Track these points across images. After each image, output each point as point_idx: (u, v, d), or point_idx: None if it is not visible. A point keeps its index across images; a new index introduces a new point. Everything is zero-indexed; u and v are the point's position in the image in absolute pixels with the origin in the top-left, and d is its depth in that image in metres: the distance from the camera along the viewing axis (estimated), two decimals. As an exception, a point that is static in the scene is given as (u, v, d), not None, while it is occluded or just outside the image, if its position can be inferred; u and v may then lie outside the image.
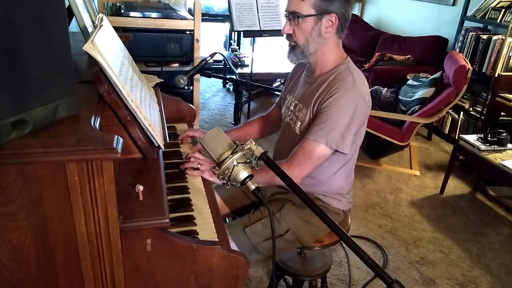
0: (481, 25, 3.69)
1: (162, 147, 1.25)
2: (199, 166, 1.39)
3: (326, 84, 1.35)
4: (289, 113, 1.51)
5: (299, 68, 1.58)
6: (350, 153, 1.37)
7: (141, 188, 1.04)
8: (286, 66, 3.97)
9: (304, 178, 1.36)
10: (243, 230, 1.39)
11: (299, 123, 1.43)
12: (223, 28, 5.45)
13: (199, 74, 2.30)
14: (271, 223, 1.01)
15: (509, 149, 2.68)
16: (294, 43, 1.36)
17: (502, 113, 3.32)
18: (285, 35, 1.38)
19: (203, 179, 1.40)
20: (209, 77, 2.56)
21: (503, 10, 3.35)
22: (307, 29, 1.31)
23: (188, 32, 2.46)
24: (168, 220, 0.98)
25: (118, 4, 2.34)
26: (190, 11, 2.59)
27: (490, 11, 3.47)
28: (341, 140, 1.30)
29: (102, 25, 1.16)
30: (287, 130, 1.51)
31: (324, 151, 1.32)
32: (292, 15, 1.32)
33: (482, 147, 2.66)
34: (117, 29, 1.54)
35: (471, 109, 3.65)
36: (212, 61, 2.21)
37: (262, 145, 1.04)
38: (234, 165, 0.99)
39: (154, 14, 2.31)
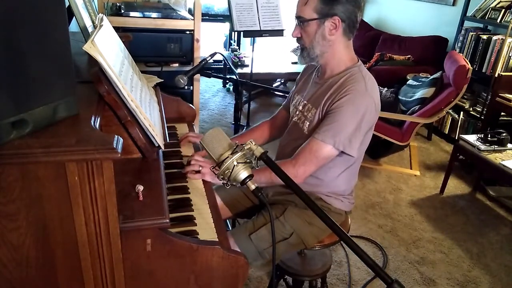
0: (481, 25, 3.69)
1: (162, 147, 1.25)
2: (200, 168, 1.39)
3: (337, 86, 1.36)
4: (297, 112, 1.51)
5: (309, 68, 1.58)
6: (356, 156, 1.37)
7: (141, 188, 1.04)
8: (286, 66, 3.97)
9: (307, 177, 1.36)
10: (249, 237, 1.39)
11: (308, 123, 1.43)
12: (223, 28, 5.44)
13: (199, 74, 2.30)
14: (271, 225, 1.01)
15: (509, 149, 2.68)
16: (302, 46, 1.40)
17: (502, 113, 3.32)
18: (295, 38, 1.42)
19: (203, 179, 1.40)
20: (209, 77, 2.56)
21: (503, 10, 3.35)
22: (311, 33, 1.34)
23: (188, 32, 2.46)
24: (168, 220, 0.98)
25: (118, 4, 2.34)
26: (190, 11, 2.59)
27: (490, 11, 3.47)
28: (348, 143, 1.31)
29: (102, 25, 1.16)
30: (294, 129, 1.51)
31: (330, 152, 1.32)
32: (298, 20, 1.36)
33: (482, 147, 2.66)
34: (117, 29, 1.54)
35: (471, 109, 3.65)
36: (212, 61, 2.21)
37: (263, 145, 1.04)
38: (234, 165, 0.99)
39: (154, 14, 2.31)
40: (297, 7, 1.36)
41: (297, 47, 1.43)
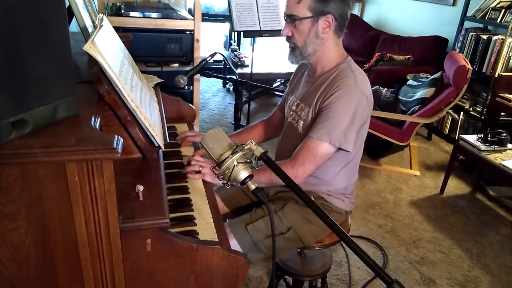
0: (481, 25, 3.69)
1: (162, 147, 1.25)
2: (200, 169, 1.39)
3: (327, 83, 1.36)
4: (291, 113, 1.51)
5: (300, 68, 1.59)
6: (353, 152, 1.38)
7: (141, 188, 1.04)
8: (286, 66, 3.97)
9: (307, 177, 1.36)
10: (245, 228, 1.40)
11: (302, 122, 1.43)
12: (223, 28, 5.44)
13: (199, 74, 2.30)
14: (271, 223, 1.01)
15: (509, 149, 2.68)
16: (294, 45, 1.39)
17: (502, 113, 3.32)
18: (285, 37, 1.40)
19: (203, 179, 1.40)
20: (209, 77, 2.56)
21: (503, 10, 3.35)
22: (304, 31, 1.34)
23: (188, 32, 2.46)
24: (168, 220, 0.98)
25: (118, 4, 2.34)
26: (190, 11, 2.59)
27: (490, 11, 3.47)
28: (344, 138, 1.31)
29: (102, 25, 1.16)
30: (290, 129, 1.51)
31: (327, 149, 1.32)
32: (290, 18, 1.35)
33: (482, 147, 2.66)
34: (117, 29, 1.54)
35: (471, 109, 3.65)
36: (212, 61, 2.21)
37: (262, 145, 1.04)
38: (234, 165, 0.99)
39: (154, 14, 2.31)
40: (288, 5, 1.35)
41: (288, 46, 1.41)
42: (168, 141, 1.33)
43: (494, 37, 3.40)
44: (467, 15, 3.70)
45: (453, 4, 4.03)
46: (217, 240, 1.13)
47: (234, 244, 1.36)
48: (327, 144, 1.31)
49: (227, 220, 1.59)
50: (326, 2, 1.29)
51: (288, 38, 1.40)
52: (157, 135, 1.22)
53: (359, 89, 1.32)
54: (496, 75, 3.24)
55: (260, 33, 2.99)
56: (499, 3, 3.43)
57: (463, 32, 3.71)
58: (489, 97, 3.30)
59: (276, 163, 1.03)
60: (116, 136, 0.83)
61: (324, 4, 1.29)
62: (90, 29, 1.41)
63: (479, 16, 3.56)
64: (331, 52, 1.38)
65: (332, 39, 1.36)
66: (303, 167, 1.33)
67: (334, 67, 1.38)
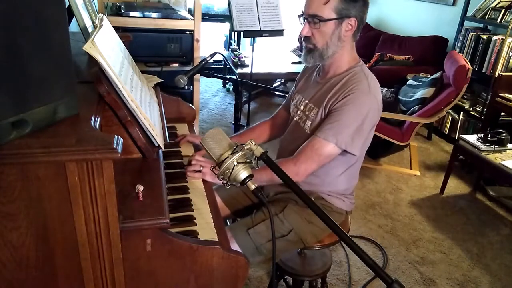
0: (481, 25, 3.69)
1: (162, 147, 1.25)
2: (201, 168, 1.38)
3: (340, 85, 1.35)
4: (298, 112, 1.50)
5: (309, 68, 1.57)
6: (358, 155, 1.37)
7: (141, 188, 1.04)
8: (286, 66, 3.97)
9: (309, 175, 1.36)
10: (246, 232, 1.39)
11: (310, 122, 1.42)
12: (223, 28, 5.45)
13: (199, 74, 2.30)
14: (271, 223, 1.01)
15: (509, 149, 2.68)
16: (313, 45, 1.35)
17: (502, 113, 3.32)
18: (302, 37, 1.37)
19: (204, 179, 1.40)
20: (209, 77, 2.56)
21: (503, 10, 3.35)
22: (327, 33, 1.31)
23: (188, 32, 2.46)
24: (168, 220, 0.97)
25: (118, 4, 2.34)
26: (190, 11, 2.59)
27: (490, 11, 3.47)
28: (351, 141, 1.31)
29: (102, 25, 1.16)
30: (295, 128, 1.51)
31: (332, 150, 1.32)
32: (312, 18, 1.31)
33: (482, 147, 2.66)
34: (117, 29, 1.54)
35: (471, 109, 3.65)
36: (212, 61, 2.21)
37: (262, 144, 1.04)
38: (234, 165, 0.99)
39: (154, 14, 2.31)
40: (311, 5, 1.30)
41: (304, 46, 1.38)
42: (168, 141, 1.33)
43: (494, 37, 3.40)
44: (467, 15, 3.70)
45: (453, 4, 4.03)
46: (217, 240, 1.13)
47: (235, 248, 1.35)
48: (333, 145, 1.31)
49: (228, 224, 1.59)
50: (352, 5, 1.28)
51: (307, 39, 1.36)
52: (157, 135, 1.22)
53: (372, 95, 1.31)
54: (496, 75, 3.24)
55: (260, 33, 2.99)
56: (499, 3, 3.44)
57: (463, 32, 3.71)
58: (489, 97, 3.30)
59: (276, 163, 1.03)
60: (116, 136, 0.83)
61: (350, 6, 1.28)
62: (90, 29, 1.41)
63: (479, 16, 3.56)
64: (347, 54, 1.38)
65: (349, 42, 1.36)
66: (305, 165, 1.33)
67: (347, 70, 1.38)
